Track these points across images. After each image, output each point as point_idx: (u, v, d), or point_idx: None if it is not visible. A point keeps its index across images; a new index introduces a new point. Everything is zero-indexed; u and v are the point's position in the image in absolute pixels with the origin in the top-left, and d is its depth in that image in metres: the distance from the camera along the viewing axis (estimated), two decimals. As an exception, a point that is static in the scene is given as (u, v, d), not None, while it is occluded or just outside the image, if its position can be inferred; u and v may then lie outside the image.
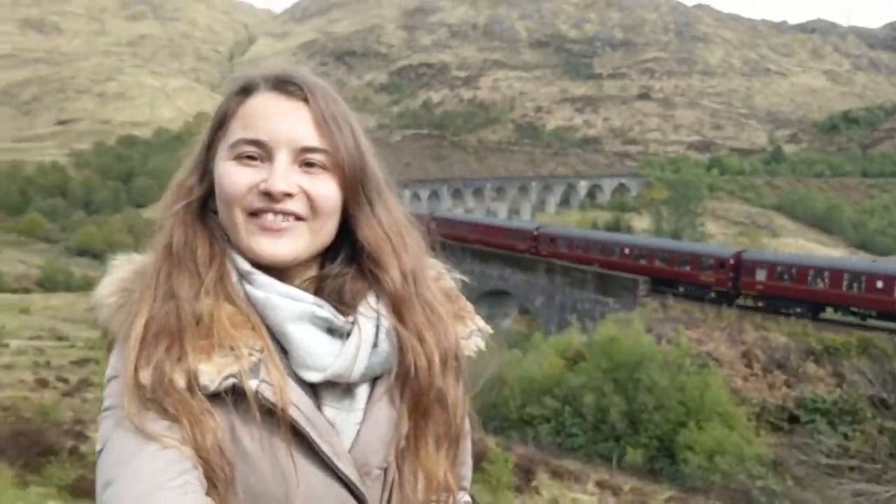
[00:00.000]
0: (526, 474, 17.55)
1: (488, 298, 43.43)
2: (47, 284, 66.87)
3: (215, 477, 0.93)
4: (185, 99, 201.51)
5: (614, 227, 73.41)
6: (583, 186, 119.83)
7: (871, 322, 28.45)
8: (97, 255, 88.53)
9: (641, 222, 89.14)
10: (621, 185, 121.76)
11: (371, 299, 1.09)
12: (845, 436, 23.51)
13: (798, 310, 29.57)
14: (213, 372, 0.95)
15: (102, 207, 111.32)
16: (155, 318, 0.98)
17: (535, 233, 43.68)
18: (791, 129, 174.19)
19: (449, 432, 1.11)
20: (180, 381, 0.94)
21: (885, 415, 23.86)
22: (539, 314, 39.59)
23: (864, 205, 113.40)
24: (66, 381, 24.04)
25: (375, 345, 1.07)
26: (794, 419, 24.80)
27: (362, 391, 1.07)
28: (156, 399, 0.93)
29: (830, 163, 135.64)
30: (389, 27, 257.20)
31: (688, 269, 33.42)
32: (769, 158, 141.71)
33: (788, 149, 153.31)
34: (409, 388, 1.07)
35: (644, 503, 17.26)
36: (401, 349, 1.07)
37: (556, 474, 18.89)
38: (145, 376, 0.94)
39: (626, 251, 37.09)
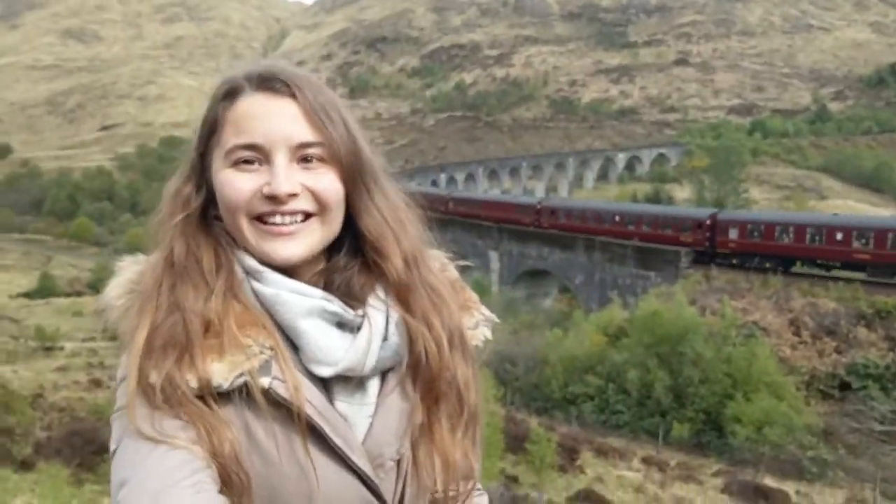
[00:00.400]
0: (570, 453, 17.49)
1: (527, 278, 43.25)
2: (98, 286, 68.27)
3: (231, 483, 0.94)
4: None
5: (654, 198, 72.25)
6: (621, 159, 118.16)
7: (839, 273, 29.85)
8: (145, 255, 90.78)
9: (682, 192, 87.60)
10: (661, 155, 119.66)
11: (379, 291, 1.10)
12: (899, 401, 22.91)
13: (767, 265, 31.07)
14: (225, 371, 0.96)
15: (148, 209, 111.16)
16: (160, 330, 0.98)
17: (538, 206, 45.79)
18: (836, 86, 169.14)
19: (462, 414, 1.11)
20: (193, 385, 0.95)
21: (940, 377, 23.21)
22: (579, 292, 39.27)
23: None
24: (119, 380, 24.61)
25: (386, 337, 1.08)
26: (845, 386, 24.25)
27: (373, 384, 1.07)
28: (168, 405, 0.94)
29: (878, 119, 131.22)
30: (419, 10, 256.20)
31: (670, 231, 35.38)
32: (814, 118, 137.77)
33: (834, 107, 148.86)
34: (421, 375, 1.08)
35: (691, 478, 17.05)
36: (410, 338, 1.08)
37: (601, 452, 18.79)
38: (156, 380, 0.95)
39: (617, 219, 39.29)
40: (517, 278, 43.16)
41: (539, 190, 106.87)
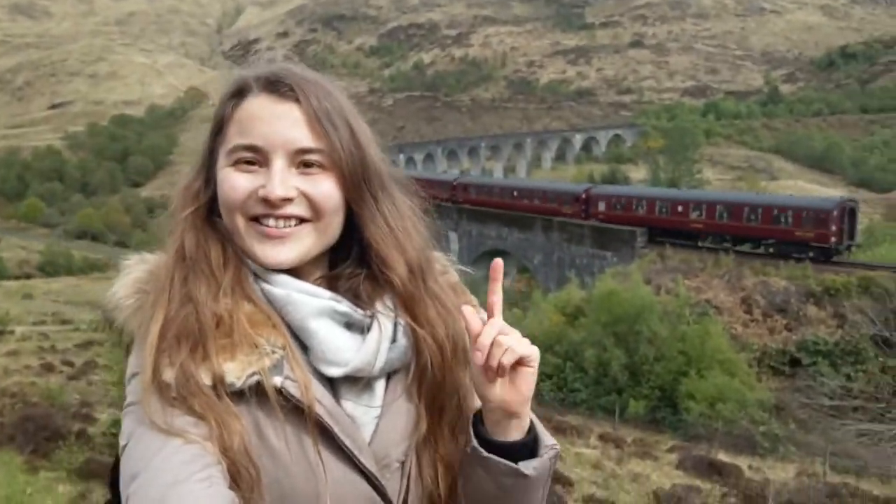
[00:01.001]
0: (528, 432, 17.64)
1: (486, 258, 43.41)
2: (48, 269, 67.01)
3: (240, 479, 0.95)
4: (176, 75, 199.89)
5: (610, 179, 72.97)
6: (578, 140, 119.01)
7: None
8: (96, 236, 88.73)
9: (638, 173, 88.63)
10: (617, 136, 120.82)
11: (387, 300, 1.10)
12: (848, 377, 23.52)
13: (629, 228, 35.47)
14: (238, 370, 0.97)
15: (99, 189, 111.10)
16: (174, 322, 0.99)
17: (454, 183, 49.94)
18: (787, 68, 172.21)
19: (462, 421, 1.11)
20: (206, 381, 0.95)
21: (887, 353, 23.84)
22: (538, 272, 39.59)
23: (864, 142, 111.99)
24: (71, 364, 24.12)
25: (394, 339, 1.08)
26: (795, 363, 24.86)
27: (380, 386, 1.08)
28: (181, 398, 0.95)
29: (828, 101, 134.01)
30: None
31: (555, 204, 40.23)
32: (766, 100, 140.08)
33: (785, 89, 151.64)
34: (426, 384, 1.09)
35: (647, 454, 17.34)
36: (416, 346, 1.08)
37: (559, 430, 18.98)
38: (170, 376, 0.95)
39: (516, 193, 43.70)
40: (477, 259, 43.33)
41: (497, 170, 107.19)
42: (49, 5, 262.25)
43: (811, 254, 29.86)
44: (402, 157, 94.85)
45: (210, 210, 1.10)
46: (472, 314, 1.01)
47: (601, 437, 18.77)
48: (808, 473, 16.54)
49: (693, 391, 22.04)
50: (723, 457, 17.45)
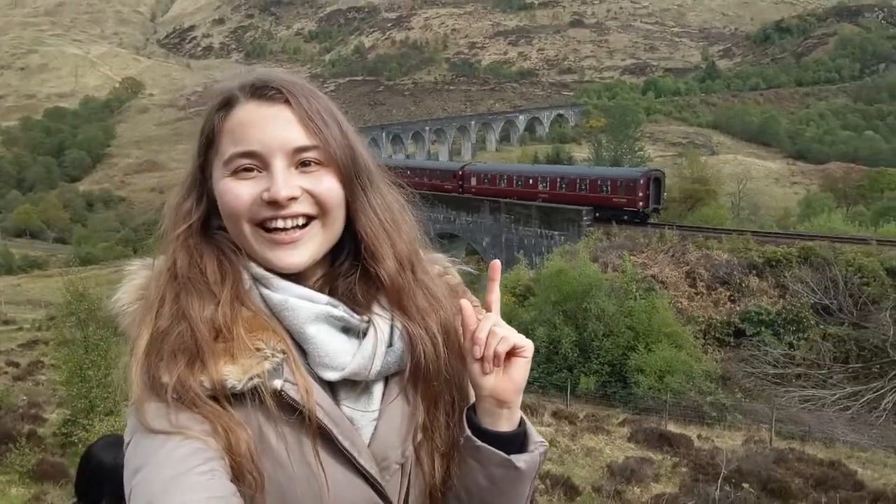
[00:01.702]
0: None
1: (436, 242, 43.33)
2: (-17, 267, 64.77)
3: (245, 482, 0.96)
4: (110, 65, 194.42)
5: (555, 158, 73.47)
6: (521, 121, 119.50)
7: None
8: (35, 233, 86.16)
9: (581, 152, 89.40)
10: (559, 116, 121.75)
11: (382, 300, 1.11)
12: (790, 345, 24.16)
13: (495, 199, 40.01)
14: (238, 373, 0.98)
15: (36, 184, 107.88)
16: (166, 338, 1.00)
17: None
18: (724, 43, 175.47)
19: (452, 412, 1.13)
20: (206, 386, 0.97)
21: (827, 321, 24.57)
22: (487, 253, 39.70)
23: (801, 115, 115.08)
24: (16, 365, 23.42)
25: (391, 343, 1.09)
26: (740, 333, 25.39)
27: (378, 388, 1.09)
28: (181, 404, 0.97)
29: (765, 75, 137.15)
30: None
31: (438, 181, 44.54)
32: (703, 76, 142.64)
33: (722, 64, 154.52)
34: (421, 376, 1.10)
35: (600, 428, 17.55)
36: (410, 340, 1.09)
37: (513, 410, 19.10)
38: (168, 385, 0.97)
39: (409, 172, 45.04)
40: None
41: (443, 153, 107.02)
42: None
43: (625, 217, 33.48)
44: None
45: (205, 226, 1.10)
46: (469, 308, 1.05)
47: (554, 414, 18.93)
48: (755, 440, 16.97)
49: (642, 365, 22.37)
50: (672, 428, 17.79)
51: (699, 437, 16.98)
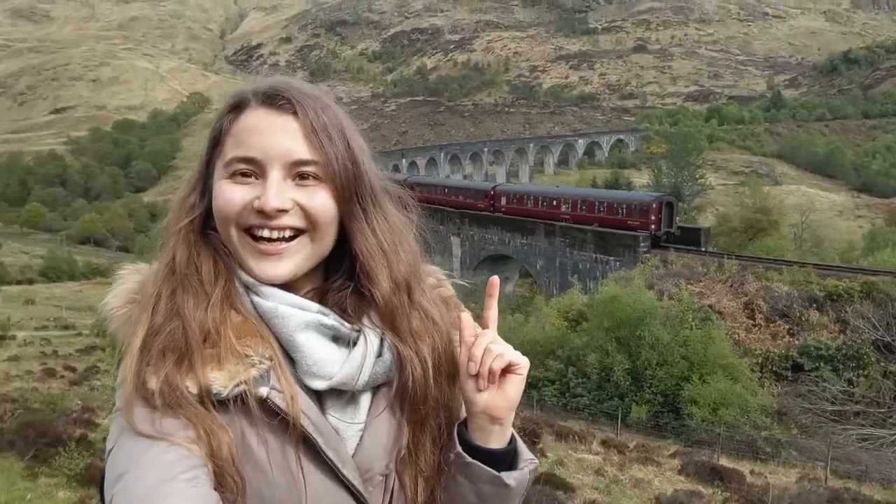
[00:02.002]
0: (531, 437, 17.59)
1: (489, 263, 43.42)
2: (50, 274, 66.99)
3: (226, 485, 0.96)
4: (179, 79, 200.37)
5: (613, 184, 72.90)
6: (580, 145, 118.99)
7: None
8: (99, 241, 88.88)
9: (641, 178, 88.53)
10: (619, 140, 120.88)
11: (373, 314, 1.11)
12: (850, 382, 23.43)
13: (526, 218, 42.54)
14: (224, 379, 0.97)
15: (102, 194, 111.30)
16: (159, 335, 1.00)
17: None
18: (790, 73, 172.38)
19: (439, 435, 1.12)
20: (192, 390, 0.96)
21: (888, 358, 23.77)
22: (540, 277, 39.55)
23: (866, 147, 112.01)
24: (73, 369, 24.10)
25: (380, 354, 1.09)
26: (797, 368, 24.73)
27: (365, 399, 1.09)
28: (167, 406, 0.96)
29: (831, 106, 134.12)
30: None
31: (472, 200, 47.77)
32: (769, 105, 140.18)
33: (788, 94, 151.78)
34: (408, 399, 1.09)
35: (650, 459, 17.27)
36: (399, 361, 1.09)
37: (561, 436, 18.93)
38: (154, 385, 0.96)
39: (446, 191, 51.11)
40: (479, 263, 43.31)
41: (500, 175, 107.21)
42: (50, 9, 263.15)
43: (643, 244, 34.04)
44: (404, 161, 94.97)
45: (204, 223, 1.10)
46: (469, 321, 1.05)
47: (603, 443, 18.70)
48: (809, 478, 16.47)
49: (695, 396, 21.97)
50: (725, 462, 17.41)
51: (752, 472, 16.59)
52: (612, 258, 34.35)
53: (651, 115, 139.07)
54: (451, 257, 44.91)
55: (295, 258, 1.05)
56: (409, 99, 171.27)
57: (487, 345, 1.04)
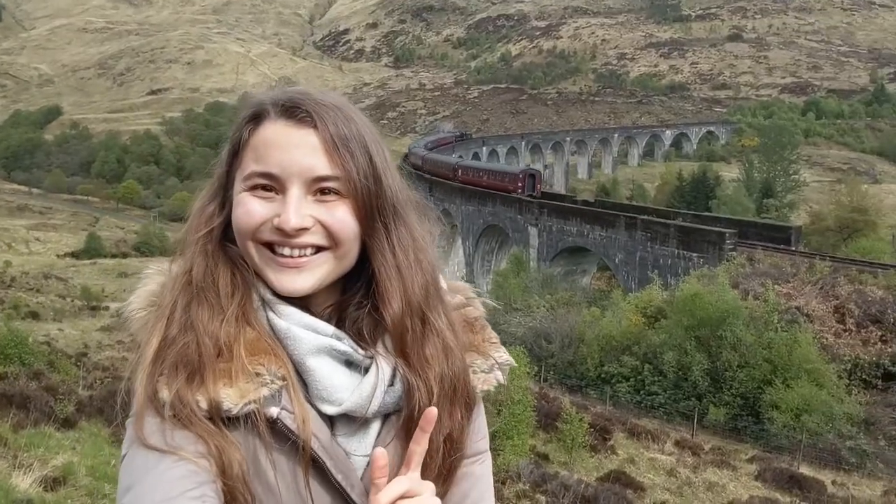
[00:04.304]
0: (602, 433, 17.36)
1: (567, 255, 42.92)
2: (143, 248, 69.90)
3: (235, 503, 0.96)
4: (269, 64, 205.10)
5: (701, 178, 70.87)
6: (668, 136, 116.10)
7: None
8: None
9: (731, 172, 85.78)
10: (709, 133, 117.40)
11: (387, 339, 1.08)
12: (946, 393, 22.27)
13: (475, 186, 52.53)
14: (235, 396, 0.97)
15: (193, 173, 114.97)
16: (172, 348, 0.99)
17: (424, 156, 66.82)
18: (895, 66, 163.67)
19: (443, 467, 1.09)
20: (203, 406, 0.96)
21: None
22: (619, 270, 38.82)
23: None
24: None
25: (392, 383, 1.06)
26: (889, 377, 23.65)
27: (375, 426, 1.07)
28: (178, 421, 0.96)
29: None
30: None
31: (444, 170, 58.78)
32: (871, 99, 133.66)
33: (892, 88, 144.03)
34: (414, 425, 1.04)
35: (725, 463, 16.83)
36: (407, 388, 1.06)
37: (634, 434, 18.63)
38: (166, 400, 0.96)
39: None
40: (556, 255, 42.85)
41: (582, 165, 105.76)
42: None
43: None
44: (485, 149, 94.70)
45: (224, 232, 1.08)
46: (381, 460, 0.93)
47: (677, 444, 18.33)
48: (897, 494, 15.74)
49: (778, 401, 21.28)
50: (805, 470, 16.82)
51: (834, 482, 15.97)
52: (695, 254, 33.36)
53: (744, 107, 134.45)
54: (529, 247, 44.56)
55: (316, 273, 1.04)
56: (491, 86, 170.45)
57: (398, 495, 0.94)
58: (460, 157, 73.90)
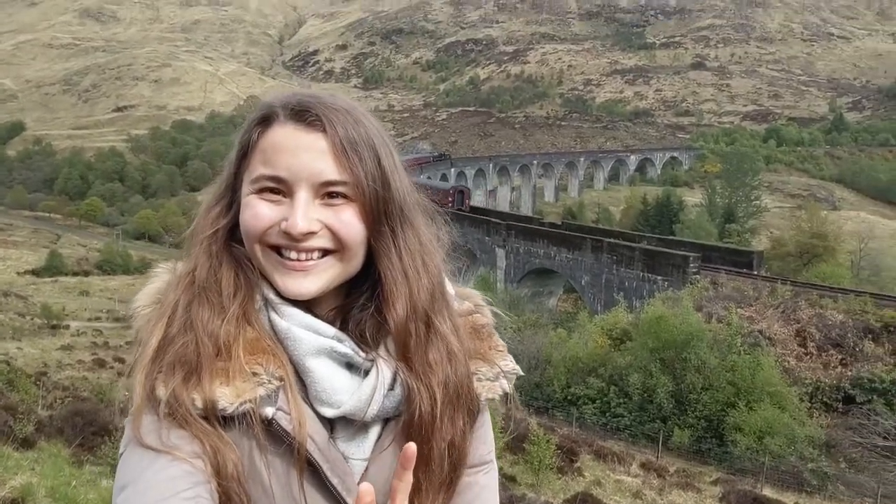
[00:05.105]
0: (569, 455, 17.35)
1: (534, 276, 43.16)
2: (106, 267, 68.71)
3: (230, 503, 0.96)
4: (237, 83, 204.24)
5: (665, 202, 71.93)
6: (632, 161, 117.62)
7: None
8: (153, 237, 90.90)
9: (693, 196, 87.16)
10: (673, 158, 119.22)
11: (390, 343, 1.07)
12: (904, 416, 22.65)
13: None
14: (231, 396, 0.96)
15: (158, 191, 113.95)
16: (171, 347, 0.99)
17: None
18: (854, 95, 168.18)
19: (444, 475, 1.07)
20: (198, 405, 0.96)
21: (946, 394, 22.94)
22: (585, 292, 39.14)
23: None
24: (122, 361, 24.68)
25: (392, 387, 1.05)
26: (849, 400, 23.97)
27: (374, 430, 1.06)
28: (173, 420, 0.96)
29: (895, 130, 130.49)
30: (436, 4, 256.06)
31: None
32: (830, 127, 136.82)
33: (851, 117, 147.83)
34: (413, 434, 1.05)
35: (690, 485, 16.90)
36: (408, 393, 1.05)
37: (600, 455, 18.66)
38: (162, 398, 0.96)
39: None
40: (523, 277, 43.08)
41: (549, 188, 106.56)
42: (117, 10, 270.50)
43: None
44: (453, 171, 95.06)
45: (230, 233, 1.08)
46: (365, 496, 0.88)
47: (643, 466, 18.38)
48: (858, 516, 15.94)
49: (741, 423, 21.47)
50: (768, 492, 16.94)
51: (797, 505, 16.10)
52: (660, 277, 33.78)
53: (707, 134, 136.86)
54: (496, 269, 44.73)
55: (322, 276, 1.03)
56: (460, 109, 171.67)
57: None
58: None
